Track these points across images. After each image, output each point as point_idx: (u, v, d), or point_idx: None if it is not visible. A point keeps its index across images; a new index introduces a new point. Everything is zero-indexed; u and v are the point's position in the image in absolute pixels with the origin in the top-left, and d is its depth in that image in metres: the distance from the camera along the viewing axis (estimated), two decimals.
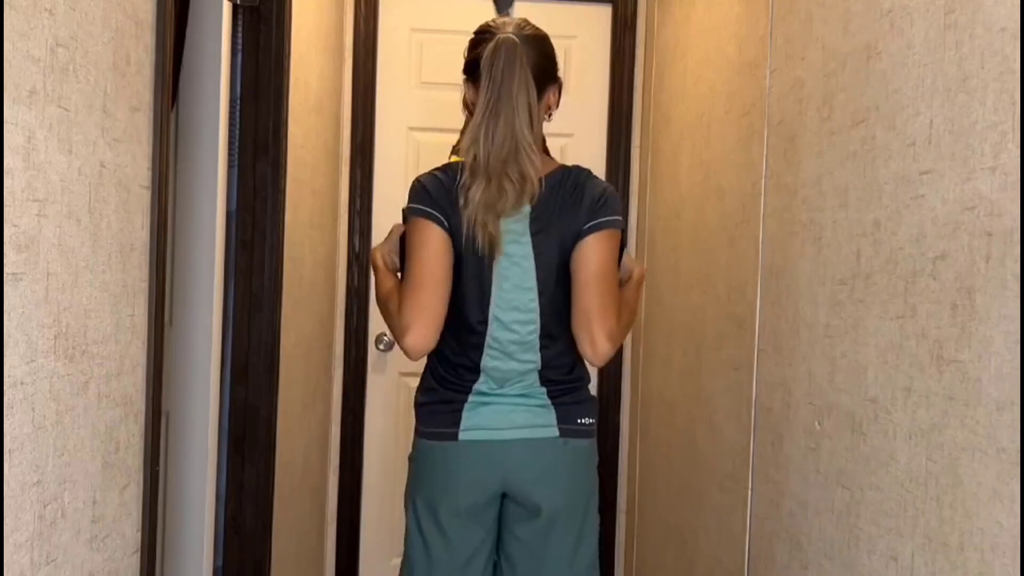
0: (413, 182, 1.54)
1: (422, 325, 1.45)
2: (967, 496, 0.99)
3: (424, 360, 1.59)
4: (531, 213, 1.49)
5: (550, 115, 1.60)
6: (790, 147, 1.56)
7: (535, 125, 1.49)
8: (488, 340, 1.51)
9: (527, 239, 1.49)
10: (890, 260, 1.18)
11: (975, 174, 0.99)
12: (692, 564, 2.12)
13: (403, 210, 1.53)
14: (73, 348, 1.01)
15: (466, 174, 1.47)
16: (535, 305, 1.50)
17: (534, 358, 1.52)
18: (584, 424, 1.55)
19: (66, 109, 0.97)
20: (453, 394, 1.53)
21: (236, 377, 1.95)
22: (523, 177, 1.46)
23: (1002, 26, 0.95)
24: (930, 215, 1.08)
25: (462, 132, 1.58)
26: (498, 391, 1.53)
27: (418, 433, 1.58)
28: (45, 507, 0.97)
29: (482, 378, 1.53)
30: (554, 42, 1.61)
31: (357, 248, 2.84)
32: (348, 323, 2.85)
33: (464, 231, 1.47)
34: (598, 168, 2.90)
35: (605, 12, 2.91)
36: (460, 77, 1.59)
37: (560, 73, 1.60)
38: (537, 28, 1.57)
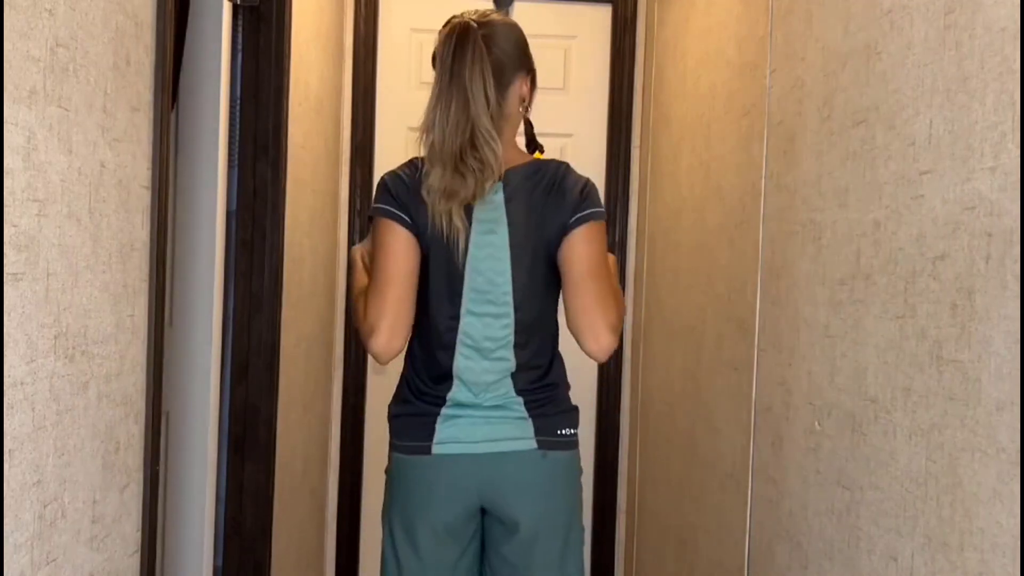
0: (379, 179, 1.51)
1: (387, 327, 1.41)
2: (967, 496, 0.99)
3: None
4: (506, 204, 1.44)
5: (525, 107, 1.54)
6: (790, 147, 1.56)
7: (494, 112, 1.43)
8: (460, 337, 1.46)
9: (503, 230, 1.44)
10: (890, 260, 1.18)
11: (975, 174, 0.99)
12: (692, 564, 2.12)
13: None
14: (73, 348, 1.01)
15: (426, 163, 1.44)
16: (510, 299, 1.45)
17: (507, 356, 1.47)
18: (564, 435, 1.49)
19: (66, 109, 0.97)
20: (426, 406, 1.49)
21: (236, 377, 1.95)
22: (482, 163, 1.40)
23: (1002, 26, 0.95)
24: (930, 215, 1.08)
25: None
26: (473, 402, 1.47)
27: (392, 446, 1.54)
28: (45, 507, 0.97)
29: (455, 386, 1.47)
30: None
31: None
32: (348, 323, 2.85)
33: (428, 221, 1.42)
34: (598, 168, 2.90)
35: (605, 12, 2.91)
36: None
37: (532, 61, 1.54)
38: (506, 18, 1.53)
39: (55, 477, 0.99)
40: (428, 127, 1.44)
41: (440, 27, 1.52)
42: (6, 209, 0.86)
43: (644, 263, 2.77)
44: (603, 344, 1.44)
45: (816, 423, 1.42)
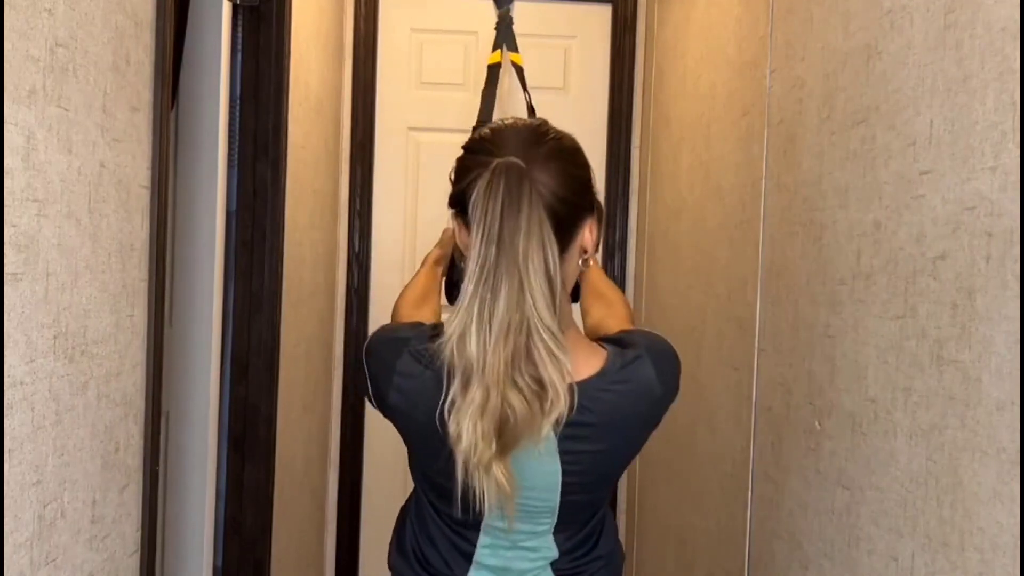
0: (371, 341, 1.10)
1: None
2: (967, 496, 0.99)
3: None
4: (560, 441, 1.02)
5: (586, 260, 1.08)
6: (790, 147, 1.56)
7: (557, 293, 0.96)
8: (484, 525, 1.09)
9: (553, 452, 1.02)
10: (890, 260, 1.18)
11: (975, 174, 0.99)
12: (692, 564, 2.11)
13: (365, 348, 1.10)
14: (73, 348, 1.01)
15: (455, 380, 0.96)
16: (555, 505, 1.07)
17: (548, 545, 1.10)
18: None
19: (66, 109, 0.97)
20: None
21: (236, 377, 1.95)
22: (540, 384, 0.95)
23: (1002, 26, 0.95)
24: (930, 215, 1.08)
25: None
26: None
27: None
28: (45, 507, 0.97)
29: (474, 571, 1.10)
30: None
31: (357, 248, 2.83)
32: (348, 323, 2.84)
33: (458, 476, 0.96)
34: (598, 168, 2.88)
35: (605, 12, 2.91)
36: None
37: (595, 193, 1.09)
38: (559, 134, 1.07)
39: (55, 477, 0.99)
40: (464, 331, 0.95)
41: (458, 157, 1.06)
42: (6, 209, 0.86)
43: (644, 263, 2.77)
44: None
45: (816, 423, 1.41)
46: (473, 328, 0.94)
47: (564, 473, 1.03)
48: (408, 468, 1.16)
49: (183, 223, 1.75)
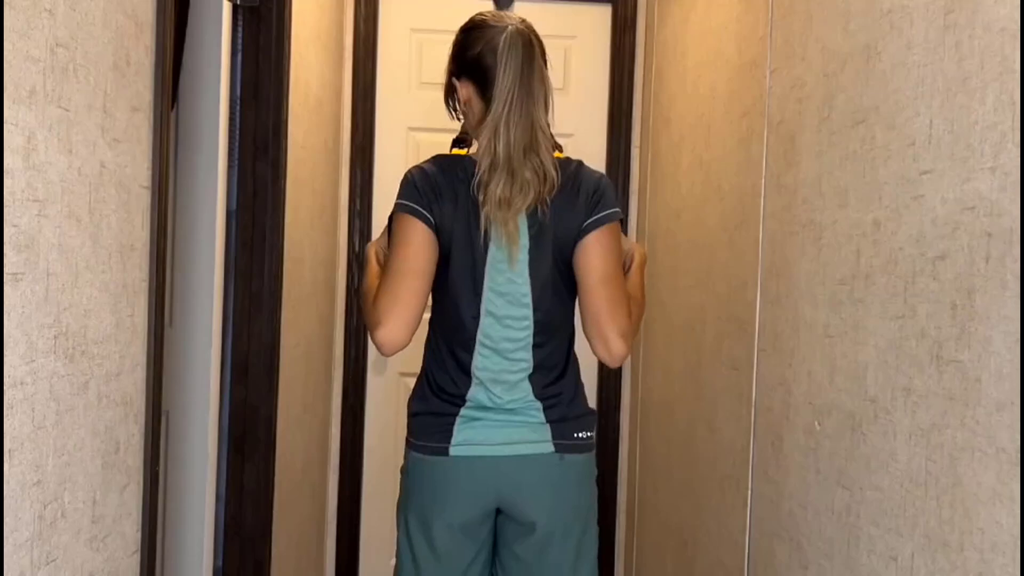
0: (404, 175, 1.51)
1: (395, 317, 1.39)
2: (967, 496, 0.99)
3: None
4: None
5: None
6: (790, 147, 1.56)
7: (548, 119, 1.47)
8: (480, 337, 1.47)
9: (523, 229, 1.45)
10: (890, 260, 1.18)
11: (975, 174, 0.99)
12: (692, 564, 2.12)
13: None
14: (73, 348, 1.01)
15: (483, 169, 1.42)
16: (529, 301, 1.46)
17: (526, 357, 1.48)
18: (581, 438, 1.50)
19: (66, 109, 0.97)
20: (445, 405, 1.49)
21: (236, 377, 1.95)
22: (544, 170, 1.42)
23: (1002, 26, 0.95)
24: (930, 215, 1.08)
25: (464, 130, 1.56)
26: (491, 405, 1.47)
27: (409, 445, 1.53)
28: (45, 507, 0.97)
29: (474, 386, 1.48)
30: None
31: (357, 248, 2.84)
32: (348, 323, 2.85)
33: (481, 226, 1.42)
34: (598, 168, 2.89)
35: (605, 12, 2.91)
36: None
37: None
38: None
39: (55, 477, 0.99)
40: (494, 135, 1.42)
41: (462, 26, 1.53)
42: (6, 209, 0.86)
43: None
44: (614, 351, 1.44)
45: (816, 423, 1.42)
46: (501, 132, 1.42)
47: (529, 228, 1.45)
48: None
49: (183, 223, 1.75)
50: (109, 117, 1.09)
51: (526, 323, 1.47)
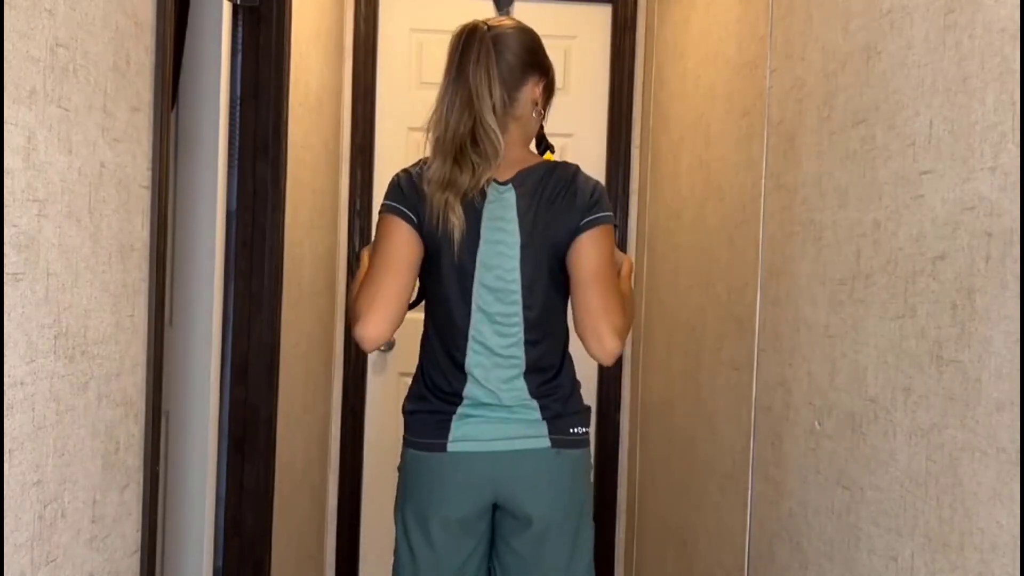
0: (392, 178, 1.53)
1: (374, 312, 1.41)
2: (967, 496, 0.99)
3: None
4: (517, 203, 1.47)
5: (540, 112, 1.57)
6: (790, 147, 1.56)
7: (499, 110, 1.46)
8: (471, 334, 1.48)
9: (513, 228, 1.47)
10: (890, 260, 1.18)
11: (975, 174, 0.99)
12: (692, 564, 2.12)
13: None
14: (73, 348, 1.01)
15: (430, 157, 1.48)
16: (519, 297, 1.48)
17: (518, 355, 1.49)
18: (577, 434, 1.52)
19: (66, 109, 0.97)
20: (441, 403, 1.51)
21: (236, 377, 1.95)
22: (481, 156, 1.43)
23: (1002, 27, 0.95)
24: (930, 215, 1.08)
25: None
26: (487, 401, 1.49)
27: (406, 443, 1.55)
28: (45, 507, 0.97)
29: (469, 383, 1.50)
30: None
31: (357, 248, 2.83)
32: (348, 323, 2.84)
33: (429, 214, 1.44)
34: (598, 168, 2.90)
35: (605, 12, 2.91)
36: None
37: (549, 66, 1.58)
38: (520, 24, 1.56)
39: (55, 477, 0.99)
40: (434, 122, 1.47)
41: (452, 33, 1.54)
42: (6, 209, 0.86)
43: (644, 263, 2.77)
44: (608, 348, 1.45)
45: (816, 423, 1.42)
46: (440, 118, 1.46)
47: (520, 225, 1.46)
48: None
49: (183, 223, 1.75)
50: (109, 117, 1.09)
51: (516, 319, 1.48)
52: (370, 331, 1.42)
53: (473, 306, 1.48)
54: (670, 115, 2.50)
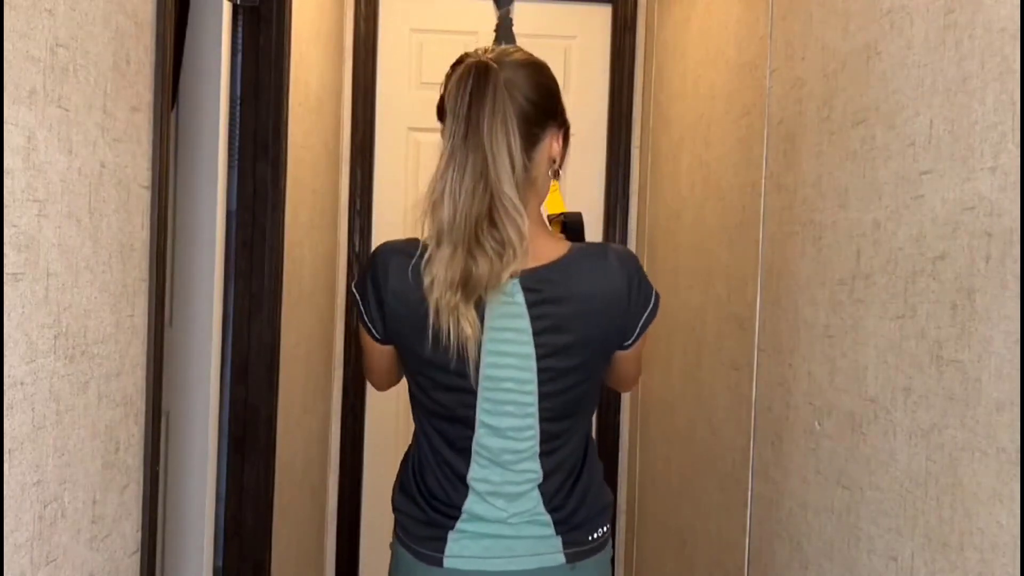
0: (374, 251, 1.24)
1: (375, 383, 1.40)
2: (967, 496, 0.99)
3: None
4: (529, 308, 1.17)
5: (556, 169, 1.26)
6: (790, 147, 1.56)
7: (519, 177, 1.14)
8: (475, 447, 1.22)
9: (526, 330, 1.17)
10: (890, 260, 1.18)
11: (975, 174, 0.99)
12: (692, 564, 2.12)
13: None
14: (73, 348, 1.01)
15: (431, 243, 1.15)
16: (535, 410, 1.21)
17: (533, 468, 1.23)
18: (597, 539, 1.29)
19: (66, 109, 0.97)
20: (436, 515, 1.26)
21: (236, 377, 1.95)
22: (502, 243, 1.12)
23: (1002, 26, 0.95)
24: (930, 215, 1.08)
25: None
26: (491, 517, 1.24)
27: (396, 536, 1.33)
28: (45, 507, 0.97)
29: (471, 498, 1.23)
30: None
31: (357, 248, 2.84)
32: (348, 323, 2.84)
33: (431, 320, 1.14)
34: (598, 168, 2.90)
35: (605, 12, 2.91)
36: None
37: (564, 110, 1.26)
38: (531, 55, 1.23)
39: (55, 477, 0.99)
40: (437, 198, 1.13)
41: (448, 70, 1.25)
42: (6, 209, 0.86)
43: (644, 263, 2.77)
44: (629, 391, 1.40)
45: (816, 423, 1.42)
46: (446, 195, 1.12)
47: (535, 335, 1.16)
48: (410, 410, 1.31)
49: (183, 223, 1.75)
50: (109, 117, 1.09)
51: (531, 433, 1.22)
52: (376, 388, 1.42)
53: (476, 420, 1.21)
54: (670, 115, 2.50)
